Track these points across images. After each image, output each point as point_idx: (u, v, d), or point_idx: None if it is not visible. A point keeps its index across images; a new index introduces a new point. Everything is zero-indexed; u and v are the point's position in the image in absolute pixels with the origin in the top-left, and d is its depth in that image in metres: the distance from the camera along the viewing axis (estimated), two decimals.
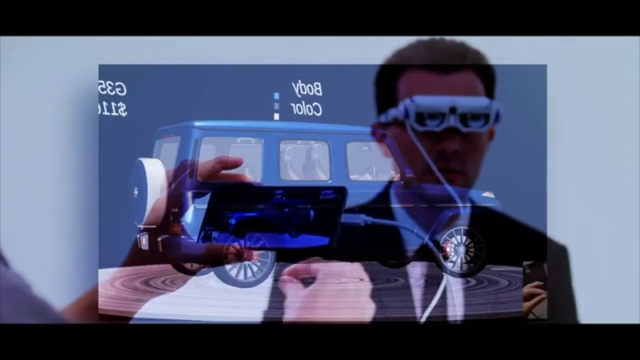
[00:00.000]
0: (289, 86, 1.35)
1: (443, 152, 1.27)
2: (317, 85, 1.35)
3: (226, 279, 1.29)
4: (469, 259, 1.34)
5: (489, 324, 1.31)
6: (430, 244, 1.29)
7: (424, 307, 1.29)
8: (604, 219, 1.58)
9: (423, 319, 1.28)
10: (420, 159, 1.28)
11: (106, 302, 1.14)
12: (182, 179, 1.11)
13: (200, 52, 1.38)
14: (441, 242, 1.33)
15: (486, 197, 1.38)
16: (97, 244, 1.33)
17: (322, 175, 1.35)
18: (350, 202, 0.95)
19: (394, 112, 1.29)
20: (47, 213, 1.50)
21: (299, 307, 0.92)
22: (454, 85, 1.28)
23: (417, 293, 1.31)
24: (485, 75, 1.30)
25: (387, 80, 1.32)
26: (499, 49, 1.31)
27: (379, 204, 1.33)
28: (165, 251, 1.17)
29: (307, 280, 0.94)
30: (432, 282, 1.31)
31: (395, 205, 1.34)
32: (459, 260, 1.34)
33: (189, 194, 1.13)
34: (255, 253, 1.01)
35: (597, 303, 1.41)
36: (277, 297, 1.08)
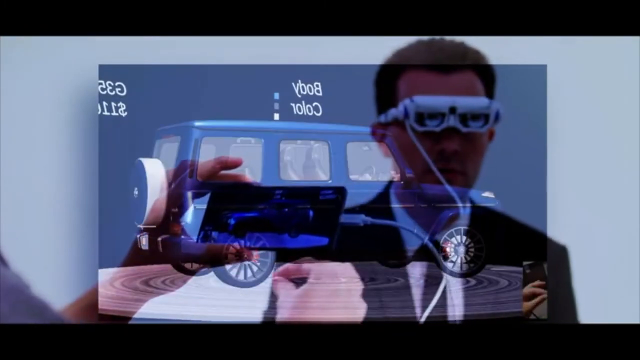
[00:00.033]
0: (289, 86, 1.35)
1: (443, 152, 1.27)
2: (317, 85, 1.35)
3: (226, 279, 1.29)
4: (469, 259, 1.34)
5: (489, 324, 1.31)
6: (430, 244, 1.29)
7: (424, 307, 1.29)
8: (604, 219, 1.58)
9: (422, 319, 1.28)
10: (420, 159, 1.28)
11: (106, 302, 1.14)
12: (182, 179, 1.11)
13: (200, 52, 1.38)
14: (441, 242, 1.33)
15: (486, 197, 1.38)
16: (97, 244, 1.33)
17: (322, 175, 1.35)
18: (350, 202, 0.95)
19: (394, 112, 1.29)
20: (47, 213, 1.50)
21: (292, 307, 0.92)
22: (454, 86, 1.28)
23: (417, 293, 1.31)
24: (485, 75, 1.30)
25: (387, 80, 1.32)
26: (499, 49, 1.31)
27: (379, 204, 1.33)
28: (165, 251, 1.17)
29: (299, 281, 0.94)
30: (432, 282, 1.31)
31: (395, 205, 1.34)
32: (459, 260, 1.34)
33: (189, 194, 1.13)
34: (255, 253, 1.01)
35: (597, 303, 1.40)
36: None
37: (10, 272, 0.66)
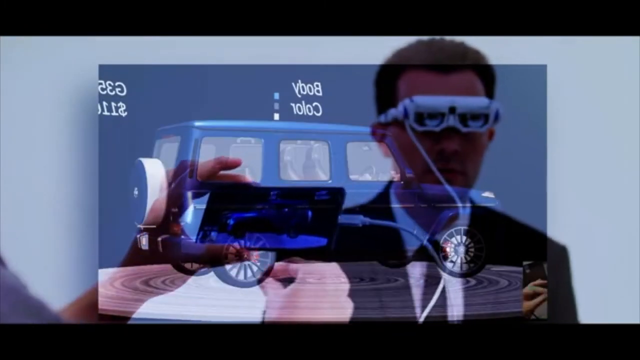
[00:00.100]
0: (289, 86, 1.35)
1: (443, 152, 1.27)
2: (317, 85, 1.35)
3: (226, 279, 1.29)
4: (469, 259, 1.34)
5: (489, 324, 1.31)
6: (428, 245, 1.29)
7: (424, 307, 1.29)
8: (604, 219, 1.58)
9: (421, 319, 1.28)
10: (420, 159, 1.28)
11: (106, 302, 1.14)
12: (181, 178, 1.11)
13: (200, 52, 1.38)
14: (441, 242, 1.33)
15: (486, 197, 1.38)
16: (97, 244, 1.33)
17: (322, 175, 1.35)
18: (350, 202, 0.95)
19: (394, 112, 1.29)
20: (47, 213, 1.50)
21: (280, 306, 0.92)
22: (453, 86, 1.28)
23: (417, 293, 1.31)
24: (485, 75, 1.30)
25: (387, 80, 1.32)
26: (499, 49, 1.31)
27: (379, 204, 1.33)
28: (165, 251, 1.17)
29: (286, 281, 0.95)
30: (432, 282, 1.31)
31: (395, 205, 1.34)
32: (459, 260, 1.34)
33: (189, 194, 1.13)
34: (255, 253, 1.01)
35: (597, 303, 1.40)
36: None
37: (8, 273, 0.66)
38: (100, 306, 1.10)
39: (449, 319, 1.31)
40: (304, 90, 1.35)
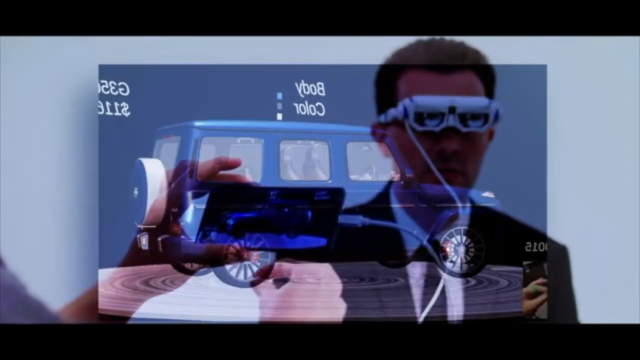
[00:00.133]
0: (292, 86, 1.35)
1: (442, 152, 1.27)
2: (320, 86, 1.35)
3: (226, 279, 1.29)
4: (469, 259, 1.34)
5: (489, 324, 1.31)
6: (428, 246, 1.29)
7: (424, 307, 1.29)
8: (604, 219, 1.58)
9: (421, 319, 1.28)
10: (420, 159, 1.28)
11: (106, 302, 1.14)
12: (181, 178, 1.11)
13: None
14: (441, 242, 1.33)
15: (486, 197, 1.38)
16: (97, 244, 1.33)
17: (322, 175, 1.35)
18: (350, 202, 0.95)
19: (394, 112, 1.29)
20: (47, 213, 1.50)
21: (275, 306, 0.93)
22: (453, 85, 1.28)
23: (417, 293, 1.31)
24: (485, 75, 1.31)
25: (387, 80, 1.32)
26: (499, 49, 1.31)
27: (379, 204, 1.33)
28: (165, 251, 1.17)
29: (280, 281, 0.95)
30: (432, 282, 1.31)
31: (395, 205, 1.34)
32: (459, 260, 1.34)
33: (189, 194, 1.13)
34: (255, 253, 1.01)
35: (597, 303, 1.41)
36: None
37: (7, 273, 0.66)
38: (100, 306, 1.10)
39: (449, 319, 1.31)
40: (306, 90, 1.35)
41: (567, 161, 1.47)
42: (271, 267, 1.00)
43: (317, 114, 1.35)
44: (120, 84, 1.32)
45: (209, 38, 1.40)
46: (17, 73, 1.50)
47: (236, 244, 0.95)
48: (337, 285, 0.94)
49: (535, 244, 1.31)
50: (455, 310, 1.31)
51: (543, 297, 1.30)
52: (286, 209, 0.93)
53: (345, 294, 0.93)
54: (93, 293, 1.10)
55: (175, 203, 1.11)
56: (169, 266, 1.19)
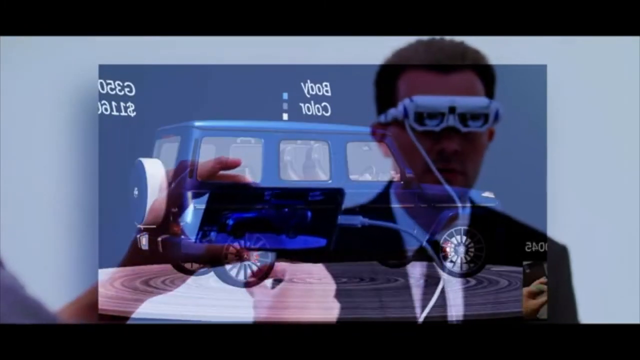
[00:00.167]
0: (297, 86, 1.35)
1: (442, 152, 1.27)
2: (326, 86, 1.35)
3: (226, 279, 1.29)
4: (469, 259, 1.34)
5: (489, 324, 1.31)
6: (427, 246, 1.29)
7: (424, 307, 1.29)
8: (604, 219, 1.58)
9: (421, 319, 1.28)
10: (420, 159, 1.28)
11: (106, 302, 1.14)
12: (181, 178, 1.11)
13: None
14: (441, 242, 1.33)
15: (486, 197, 1.38)
16: (97, 244, 1.33)
17: (322, 175, 1.35)
18: (350, 202, 0.95)
19: (394, 112, 1.29)
20: (47, 213, 1.50)
21: (269, 306, 0.93)
22: (453, 85, 1.28)
23: (417, 293, 1.31)
24: (485, 75, 1.31)
25: (387, 80, 1.32)
26: (499, 49, 1.31)
27: (379, 204, 1.33)
28: (165, 251, 1.17)
29: (273, 281, 0.95)
30: (432, 282, 1.31)
31: (395, 205, 1.34)
32: (459, 260, 1.34)
33: (189, 194, 1.13)
34: (255, 253, 1.01)
35: (597, 303, 1.40)
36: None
37: (5, 273, 0.66)
38: (100, 306, 1.10)
39: (449, 319, 1.31)
40: (312, 90, 1.35)
41: (567, 161, 1.47)
42: (270, 267, 1.00)
43: (323, 114, 1.35)
44: (126, 83, 1.32)
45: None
46: (17, 73, 1.50)
47: (236, 244, 0.95)
48: (331, 285, 0.94)
49: (535, 244, 1.31)
50: (455, 311, 1.31)
51: (544, 298, 1.30)
52: (286, 209, 0.93)
53: (345, 294, 0.93)
54: (93, 293, 1.10)
55: (175, 203, 1.11)
56: (169, 266, 1.19)
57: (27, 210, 1.52)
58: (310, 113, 1.35)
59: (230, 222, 0.93)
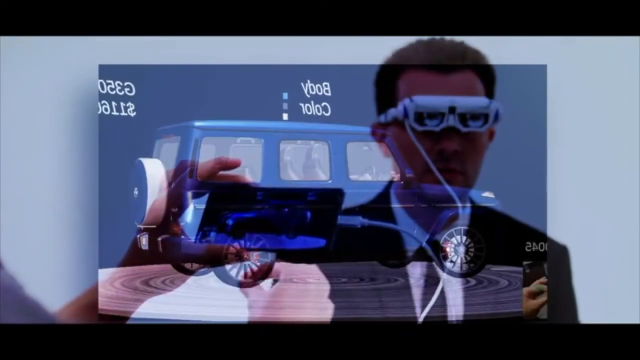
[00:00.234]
0: (297, 86, 1.35)
1: (442, 152, 1.27)
2: (326, 86, 1.35)
3: (226, 279, 1.29)
4: (469, 259, 1.34)
5: (489, 324, 1.31)
6: (427, 246, 1.29)
7: (424, 307, 1.29)
8: (604, 219, 1.58)
9: (421, 319, 1.28)
10: (420, 159, 1.28)
11: (106, 302, 1.14)
12: (181, 178, 1.12)
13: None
14: (441, 242, 1.33)
15: (486, 197, 1.38)
16: (97, 244, 1.33)
17: (322, 176, 1.35)
18: (350, 202, 0.95)
19: (394, 112, 1.29)
20: (47, 213, 1.50)
21: (264, 306, 0.93)
22: (453, 85, 1.28)
23: (417, 293, 1.31)
24: (485, 75, 1.31)
25: (387, 80, 1.32)
26: (499, 49, 1.31)
27: (379, 204, 1.33)
28: (165, 251, 1.17)
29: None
30: (432, 282, 1.31)
31: (395, 205, 1.34)
32: (459, 260, 1.34)
33: (189, 194, 1.13)
34: (255, 253, 1.01)
35: (597, 303, 1.41)
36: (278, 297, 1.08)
37: (4, 273, 0.66)
38: (100, 306, 1.10)
39: (449, 319, 1.31)
40: (312, 90, 1.35)
41: (567, 161, 1.47)
42: (270, 267, 1.00)
43: (323, 114, 1.35)
44: (126, 83, 1.32)
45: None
46: (17, 73, 1.50)
47: (236, 244, 0.95)
48: (325, 285, 0.94)
49: (535, 244, 1.31)
50: (455, 311, 1.31)
51: (546, 296, 1.30)
52: (286, 209, 0.93)
53: (345, 294, 0.93)
54: (93, 293, 1.10)
55: (175, 203, 1.11)
56: (169, 266, 1.19)
57: (27, 210, 1.52)
58: (310, 113, 1.35)
59: (230, 222, 0.93)
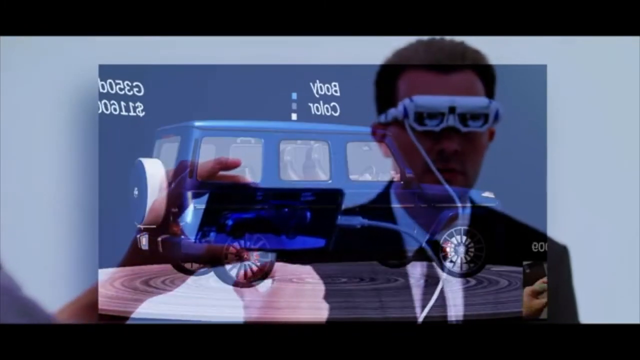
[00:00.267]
0: (307, 86, 1.35)
1: (442, 152, 1.27)
2: (335, 85, 1.35)
3: (226, 279, 1.29)
4: (469, 259, 1.34)
5: (489, 324, 1.31)
6: (427, 246, 1.29)
7: (424, 307, 1.29)
8: (604, 219, 1.58)
9: (421, 319, 1.28)
10: (420, 159, 1.28)
11: (106, 302, 1.14)
12: (181, 178, 1.12)
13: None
14: (441, 242, 1.33)
15: (486, 197, 1.38)
16: (97, 244, 1.33)
17: (322, 176, 1.35)
18: (350, 202, 0.95)
19: (394, 112, 1.29)
20: (47, 213, 1.50)
21: (260, 306, 0.93)
22: (453, 85, 1.28)
23: (417, 293, 1.31)
24: (485, 75, 1.31)
25: (387, 80, 1.32)
26: (499, 49, 1.31)
27: (379, 204, 1.33)
28: (165, 251, 1.17)
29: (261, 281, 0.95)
30: (432, 282, 1.31)
31: (395, 205, 1.34)
32: (459, 260, 1.34)
33: (189, 194, 1.13)
34: (255, 253, 1.01)
35: (597, 303, 1.41)
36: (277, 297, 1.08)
37: (2, 273, 0.66)
38: (100, 306, 1.10)
39: (449, 319, 1.31)
40: (321, 90, 1.35)
41: (567, 161, 1.47)
42: (270, 267, 1.00)
43: (332, 114, 1.36)
44: (127, 83, 1.32)
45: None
46: (17, 73, 1.50)
47: (236, 244, 0.95)
48: (320, 286, 0.94)
49: (535, 244, 1.31)
50: (455, 311, 1.31)
51: (546, 300, 1.30)
52: (286, 210, 0.93)
53: (345, 294, 0.93)
54: (93, 293, 1.10)
55: (175, 203, 1.11)
56: (169, 266, 1.19)
57: (27, 210, 1.52)
58: (319, 113, 1.35)
59: (230, 222, 0.93)
